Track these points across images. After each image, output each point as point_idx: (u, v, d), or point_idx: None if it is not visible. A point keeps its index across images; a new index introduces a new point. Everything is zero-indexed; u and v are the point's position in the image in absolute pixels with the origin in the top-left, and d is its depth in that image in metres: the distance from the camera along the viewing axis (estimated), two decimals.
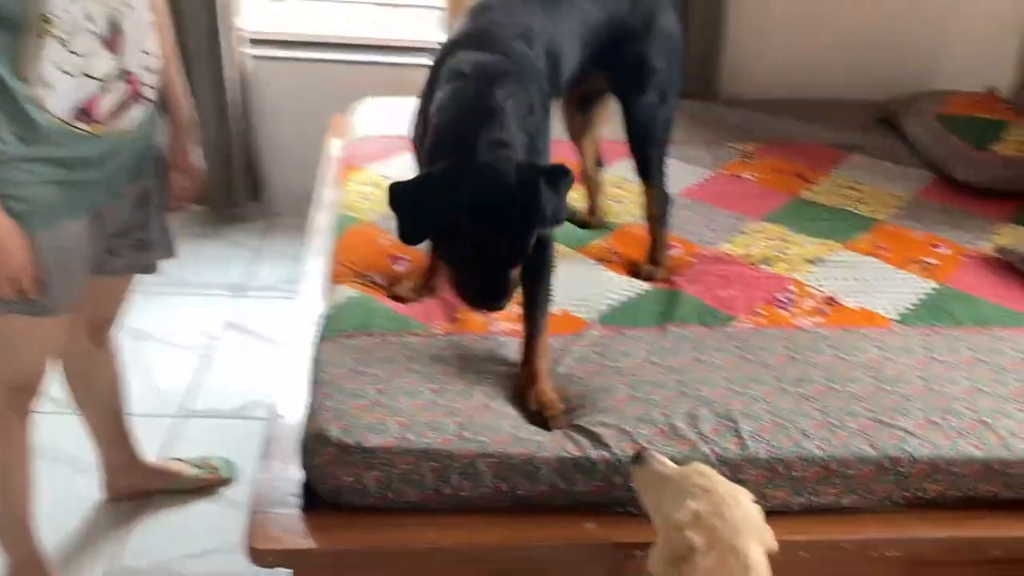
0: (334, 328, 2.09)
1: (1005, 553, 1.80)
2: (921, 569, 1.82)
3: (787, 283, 2.38)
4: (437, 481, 1.71)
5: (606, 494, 1.76)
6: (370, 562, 1.70)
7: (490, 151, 1.81)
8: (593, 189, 2.65)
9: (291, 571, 1.73)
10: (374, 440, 1.70)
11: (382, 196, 2.72)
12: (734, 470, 1.76)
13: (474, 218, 1.74)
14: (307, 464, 1.74)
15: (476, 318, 2.14)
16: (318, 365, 1.97)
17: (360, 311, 2.16)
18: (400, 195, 1.83)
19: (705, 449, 1.78)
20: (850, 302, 2.32)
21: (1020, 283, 2.46)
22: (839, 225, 2.72)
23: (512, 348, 2.03)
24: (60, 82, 1.66)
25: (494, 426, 1.78)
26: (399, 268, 2.39)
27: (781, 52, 3.79)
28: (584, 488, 1.76)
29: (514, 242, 1.78)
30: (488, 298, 1.83)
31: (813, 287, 2.37)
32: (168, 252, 2.15)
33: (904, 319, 2.26)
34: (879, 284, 2.41)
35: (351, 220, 2.59)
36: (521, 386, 1.91)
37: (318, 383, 1.89)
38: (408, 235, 1.85)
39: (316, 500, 1.75)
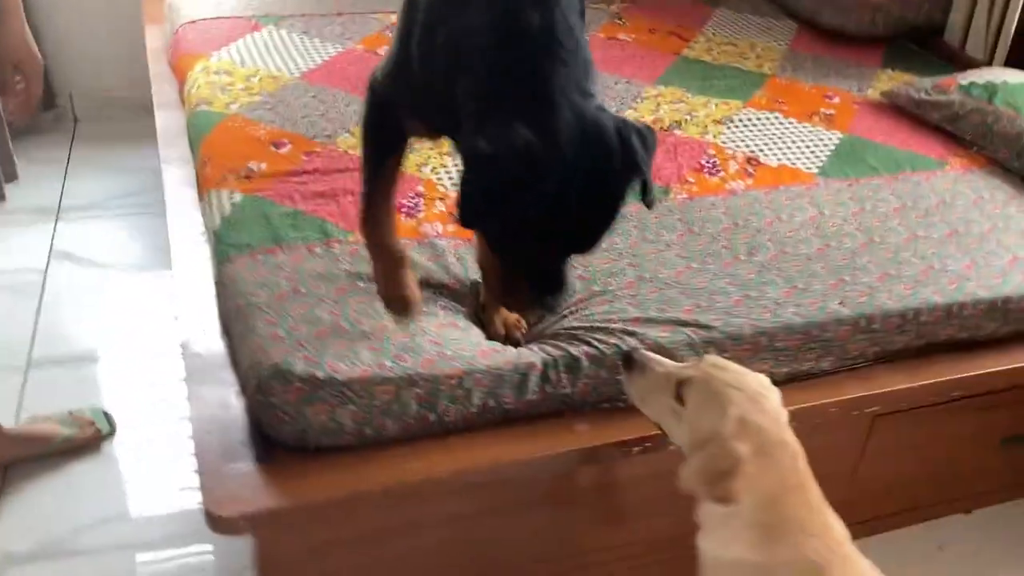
0: (236, 243, 1.79)
1: (964, 391, 1.84)
2: (888, 419, 1.83)
3: (706, 147, 2.28)
4: (421, 408, 1.49)
5: (594, 391, 1.61)
6: (354, 509, 1.47)
7: (571, 102, 1.30)
8: None
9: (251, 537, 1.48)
10: (347, 371, 1.45)
11: (243, 84, 2.39)
12: (719, 349, 1.66)
13: (582, 204, 1.30)
14: (262, 405, 1.47)
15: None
16: (236, 288, 1.66)
17: (259, 220, 1.85)
18: (483, 201, 1.29)
19: (687, 333, 1.67)
20: (771, 160, 2.25)
21: (914, 125, 2.50)
22: (734, 83, 2.64)
23: (451, 253, 1.81)
24: None
25: (471, 342, 1.58)
26: (282, 152, 2.09)
27: None
28: (571, 389, 1.60)
29: (612, 222, 1.35)
30: (560, 291, 1.42)
31: (731, 149, 2.28)
32: (10, 172, 1.73)
33: (824, 172, 2.23)
34: (790, 139, 2.36)
35: (215, 116, 2.21)
36: (485, 309, 1.71)
37: (248, 309, 1.60)
38: (506, 246, 1.38)
39: (273, 447, 1.50)
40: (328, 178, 2.03)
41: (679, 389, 1.39)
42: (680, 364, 1.45)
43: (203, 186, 2.05)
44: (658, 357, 1.47)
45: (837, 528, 1.35)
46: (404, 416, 1.49)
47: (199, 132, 2.18)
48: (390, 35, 2.75)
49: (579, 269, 1.77)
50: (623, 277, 1.79)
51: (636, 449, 1.60)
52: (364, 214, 1.59)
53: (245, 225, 1.84)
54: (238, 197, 1.93)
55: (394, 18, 2.89)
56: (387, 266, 1.58)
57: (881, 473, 1.95)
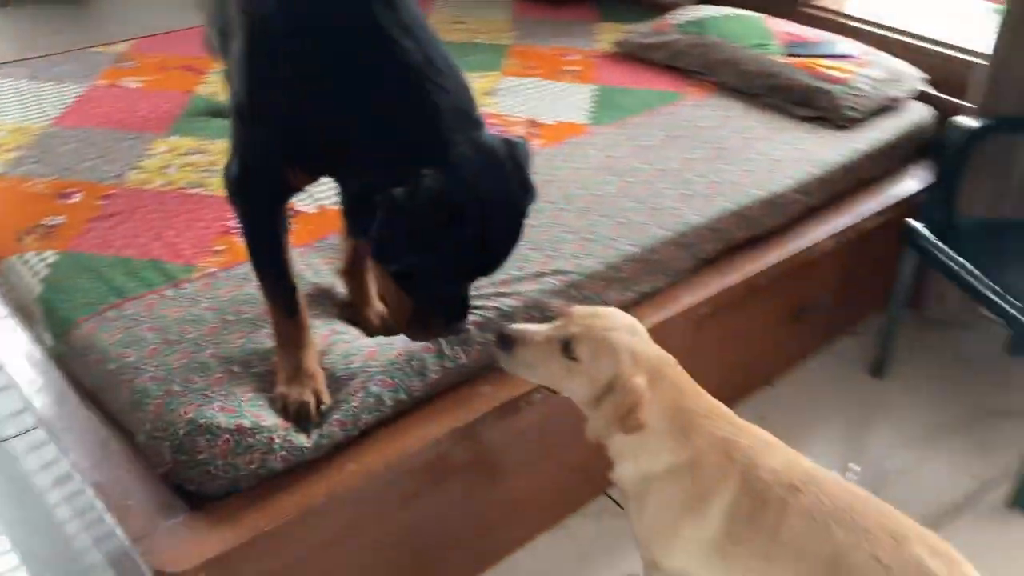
0: (75, 305, 1.66)
1: (765, 279, 2.15)
2: (709, 318, 2.09)
3: (487, 118, 2.40)
4: (344, 431, 1.51)
5: (487, 355, 1.71)
6: (303, 525, 1.45)
7: (465, 134, 1.35)
8: None
9: None
10: (267, 416, 1.45)
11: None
12: (579, 289, 1.83)
13: (493, 233, 1.38)
14: (186, 465, 1.41)
15: (239, 243, 1.85)
16: (98, 353, 1.56)
17: (88, 275, 1.74)
18: (404, 245, 1.34)
19: (551, 281, 1.81)
20: (547, 119, 2.44)
21: (647, 66, 2.81)
22: (482, 58, 2.78)
23: (300, 262, 1.81)
24: None
25: (358, 347, 1.62)
26: (72, 201, 1.95)
27: None
28: (467, 359, 1.69)
29: (517, 242, 1.43)
30: (466, 315, 1.50)
31: (511, 115, 2.44)
32: None
33: (595, 120, 2.46)
34: (554, 97, 2.57)
35: None
36: (353, 307, 1.74)
37: (123, 371, 1.51)
38: (423, 284, 1.41)
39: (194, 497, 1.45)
40: (139, 218, 1.93)
41: (567, 348, 1.48)
42: (550, 326, 1.52)
43: None
44: (528, 326, 1.53)
45: (721, 405, 1.56)
46: (330, 439, 1.50)
47: None
48: (126, 66, 2.64)
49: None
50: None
51: (537, 396, 1.73)
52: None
53: (75, 284, 1.72)
54: (52, 257, 1.78)
55: (119, 47, 2.76)
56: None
57: (703, 367, 2.22)
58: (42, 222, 1.89)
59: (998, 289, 2.07)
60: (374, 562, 1.66)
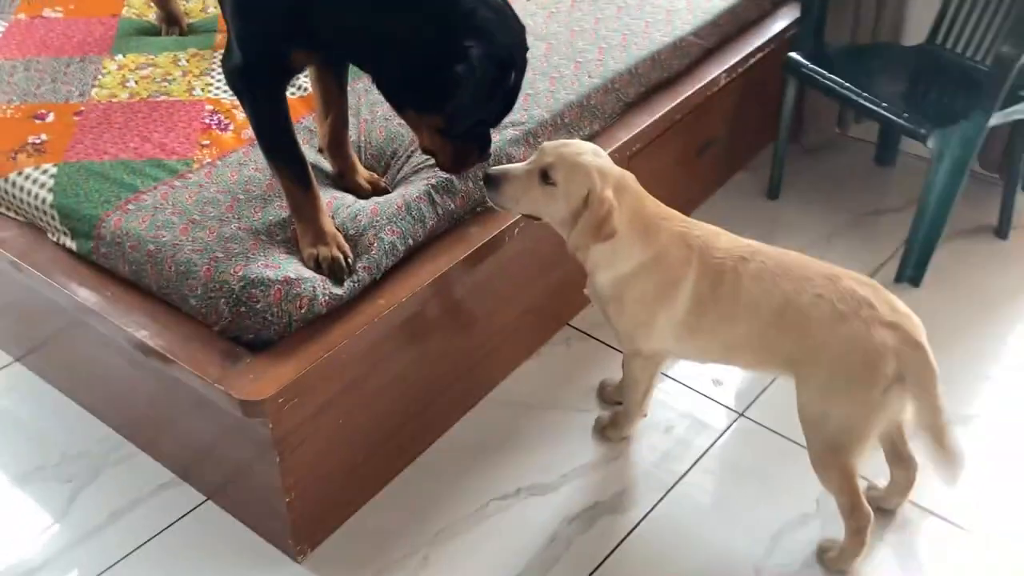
0: (95, 202, 1.83)
1: (680, 115, 2.47)
2: (639, 154, 2.40)
3: (202, 105, 2.19)
4: (370, 275, 1.78)
5: (470, 200, 1.97)
6: (341, 361, 1.69)
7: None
8: None
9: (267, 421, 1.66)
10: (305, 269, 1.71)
11: None
12: (535, 135, 2.10)
13: (519, 76, 1.72)
14: (245, 315, 1.64)
15: (221, 136, 2.03)
16: (134, 239, 1.75)
17: (95, 178, 1.91)
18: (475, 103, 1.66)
19: (511, 132, 2.07)
20: None
21: None
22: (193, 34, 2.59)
23: None
24: None
25: (360, 207, 1.86)
26: (48, 121, 2.07)
27: None
28: (453, 205, 1.94)
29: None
30: (489, 144, 1.84)
31: (229, 99, 2.22)
32: None
33: None
34: None
35: None
36: (344, 177, 1.98)
37: (165, 249, 1.72)
38: (476, 128, 1.76)
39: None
40: (119, 127, 2.07)
41: (544, 176, 1.76)
42: (527, 162, 1.78)
43: None
44: (509, 166, 1.80)
45: (671, 209, 1.87)
46: (359, 284, 1.75)
47: None
48: None
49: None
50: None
51: (516, 230, 2.00)
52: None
53: (85, 188, 1.86)
54: (52, 168, 1.92)
55: None
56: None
57: None
58: (28, 140, 2.00)
59: (868, 95, 2.46)
60: (397, 388, 1.92)
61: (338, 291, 1.71)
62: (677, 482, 2.01)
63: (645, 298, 1.84)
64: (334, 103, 1.92)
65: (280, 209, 1.82)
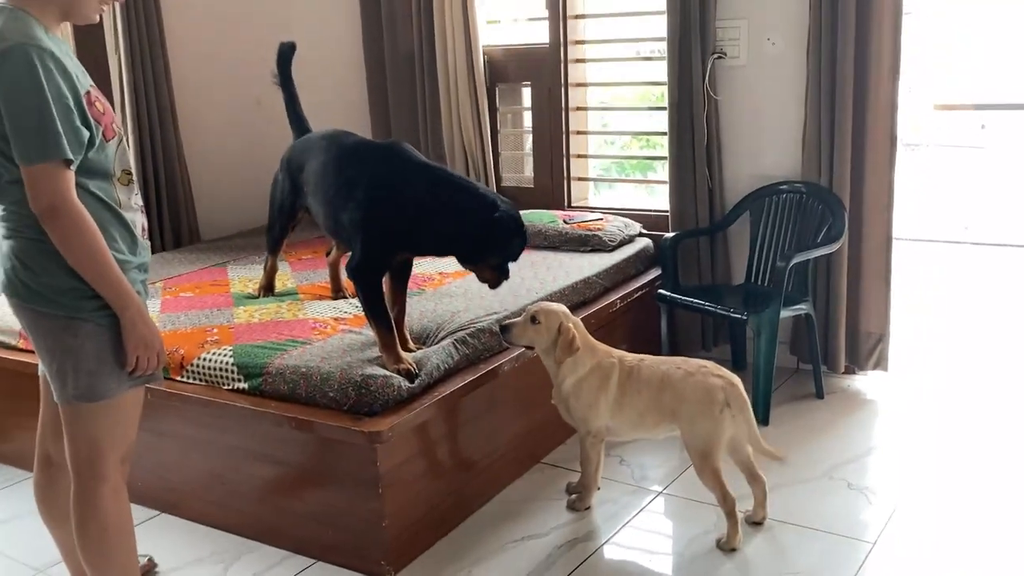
0: (261, 360, 3.11)
1: (595, 324, 3.91)
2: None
3: (308, 321, 4.02)
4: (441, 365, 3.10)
5: (476, 350, 3.31)
6: (418, 425, 2.94)
7: (494, 196, 3.15)
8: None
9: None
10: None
11: None
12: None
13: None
14: (362, 396, 2.89)
15: (324, 330, 3.39)
16: (288, 371, 3.03)
17: (256, 350, 3.18)
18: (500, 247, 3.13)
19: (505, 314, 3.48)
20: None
21: None
22: None
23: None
24: (137, 211, 2.41)
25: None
26: (215, 335, 3.38)
27: None
28: (479, 344, 3.29)
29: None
30: (508, 273, 3.24)
31: None
32: None
33: None
34: None
35: None
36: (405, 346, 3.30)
37: (307, 372, 2.99)
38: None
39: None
40: (260, 330, 3.40)
41: (533, 320, 3.13)
42: (521, 316, 3.18)
43: None
44: (513, 319, 3.19)
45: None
46: (425, 381, 3.05)
47: None
48: (172, 289, 4.08)
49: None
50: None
51: (516, 364, 3.33)
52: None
53: (252, 352, 3.17)
54: (227, 348, 3.21)
55: (158, 284, 4.19)
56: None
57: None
58: (206, 340, 3.30)
59: (709, 303, 4.00)
60: (457, 454, 3.15)
61: (411, 385, 2.98)
62: (620, 528, 3.18)
63: (591, 388, 3.14)
64: (397, 301, 3.33)
65: (370, 352, 3.12)
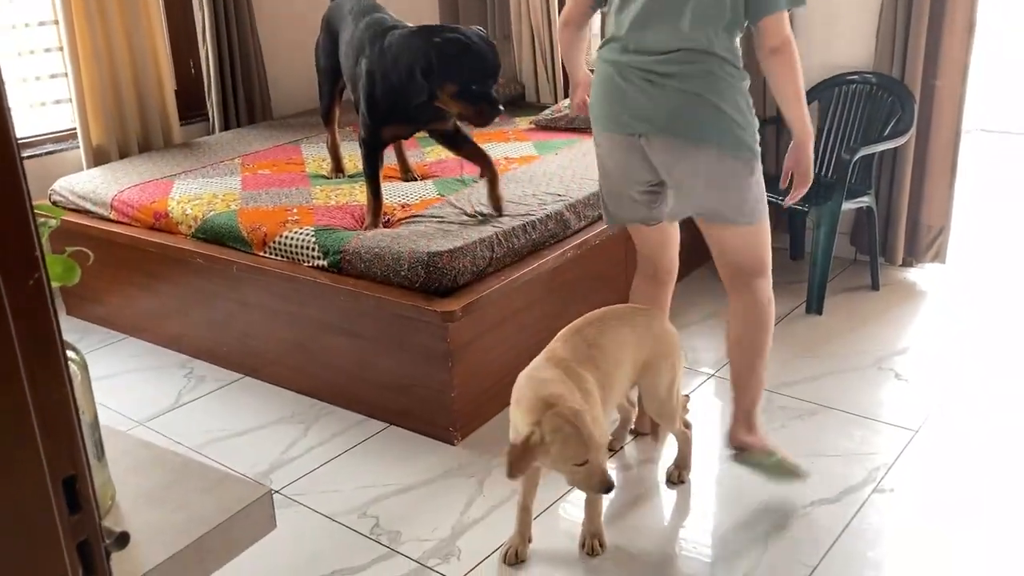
0: (339, 240, 3.29)
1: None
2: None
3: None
4: (501, 248, 3.25)
5: (553, 233, 3.46)
6: (493, 300, 3.12)
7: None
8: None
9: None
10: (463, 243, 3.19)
11: None
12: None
13: (484, 53, 3.24)
14: (431, 273, 3.06)
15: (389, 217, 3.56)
16: (364, 249, 3.21)
17: (335, 232, 3.35)
18: (446, 69, 3.18)
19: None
20: (516, 156, 4.28)
21: (554, 131, 4.72)
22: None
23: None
24: None
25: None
26: (295, 215, 3.57)
27: None
28: (535, 236, 3.43)
29: (498, 59, 3.33)
30: (498, 102, 3.30)
31: (504, 156, 4.25)
32: None
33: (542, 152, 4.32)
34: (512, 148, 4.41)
35: None
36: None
37: (382, 250, 3.17)
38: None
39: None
40: (336, 214, 3.58)
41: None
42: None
43: None
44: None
45: None
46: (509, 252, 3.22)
47: None
48: (250, 167, 4.26)
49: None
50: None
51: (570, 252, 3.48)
52: None
53: (331, 232, 3.34)
54: (309, 228, 3.40)
55: (236, 161, 4.37)
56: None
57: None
58: (287, 219, 3.49)
59: (770, 197, 4.05)
60: (525, 333, 3.34)
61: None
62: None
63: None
64: (478, 163, 3.63)
65: (439, 234, 3.28)
